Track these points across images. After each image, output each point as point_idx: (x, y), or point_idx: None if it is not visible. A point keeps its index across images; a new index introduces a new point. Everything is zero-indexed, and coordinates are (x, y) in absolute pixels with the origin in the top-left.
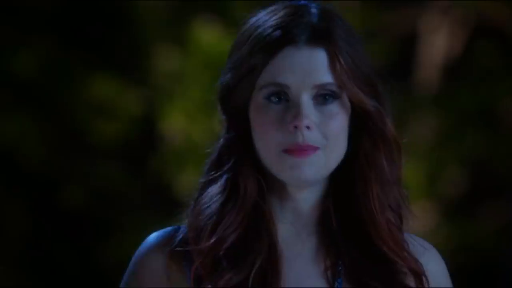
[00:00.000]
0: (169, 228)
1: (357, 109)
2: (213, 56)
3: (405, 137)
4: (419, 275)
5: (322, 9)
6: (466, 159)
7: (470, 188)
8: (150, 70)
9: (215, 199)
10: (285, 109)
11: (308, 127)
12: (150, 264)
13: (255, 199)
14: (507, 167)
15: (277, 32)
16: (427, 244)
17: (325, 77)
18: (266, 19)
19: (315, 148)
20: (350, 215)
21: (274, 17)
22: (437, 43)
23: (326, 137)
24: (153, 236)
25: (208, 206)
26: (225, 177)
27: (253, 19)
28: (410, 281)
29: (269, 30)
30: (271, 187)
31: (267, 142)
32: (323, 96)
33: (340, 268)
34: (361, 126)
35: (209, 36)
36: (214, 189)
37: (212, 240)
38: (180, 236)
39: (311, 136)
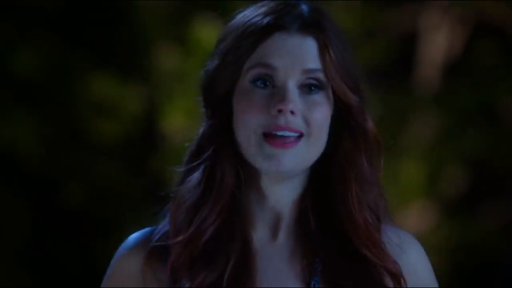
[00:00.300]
0: (148, 229)
1: (340, 105)
2: None
3: (405, 136)
4: (396, 276)
5: (313, 5)
6: (466, 158)
7: (470, 187)
8: (150, 69)
9: (193, 190)
10: (271, 94)
11: (292, 112)
12: (126, 265)
13: (232, 188)
14: (507, 166)
15: (269, 18)
16: (409, 237)
17: (314, 63)
18: (255, 10)
19: (296, 138)
20: (328, 214)
21: (264, 8)
22: (437, 42)
23: (309, 124)
24: (131, 238)
25: (187, 198)
26: (202, 166)
27: (241, 13)
28: (388, 281)
29: (260, 17)
30: (248, 179)
31: (248, 125)
32: (308, 86)
33: (317, 265)
34: (342, 123)
35: (210, 35)
36: (193, 179)
37: (190, 232)
38: (161, 233)
39: (295, 121)
